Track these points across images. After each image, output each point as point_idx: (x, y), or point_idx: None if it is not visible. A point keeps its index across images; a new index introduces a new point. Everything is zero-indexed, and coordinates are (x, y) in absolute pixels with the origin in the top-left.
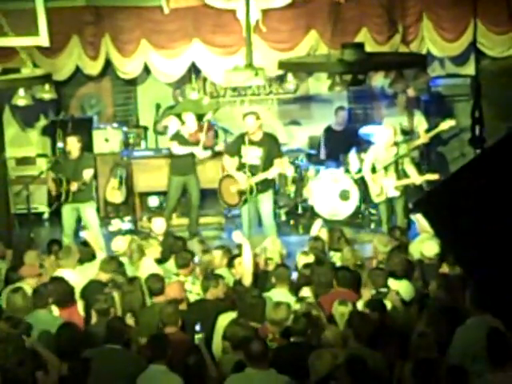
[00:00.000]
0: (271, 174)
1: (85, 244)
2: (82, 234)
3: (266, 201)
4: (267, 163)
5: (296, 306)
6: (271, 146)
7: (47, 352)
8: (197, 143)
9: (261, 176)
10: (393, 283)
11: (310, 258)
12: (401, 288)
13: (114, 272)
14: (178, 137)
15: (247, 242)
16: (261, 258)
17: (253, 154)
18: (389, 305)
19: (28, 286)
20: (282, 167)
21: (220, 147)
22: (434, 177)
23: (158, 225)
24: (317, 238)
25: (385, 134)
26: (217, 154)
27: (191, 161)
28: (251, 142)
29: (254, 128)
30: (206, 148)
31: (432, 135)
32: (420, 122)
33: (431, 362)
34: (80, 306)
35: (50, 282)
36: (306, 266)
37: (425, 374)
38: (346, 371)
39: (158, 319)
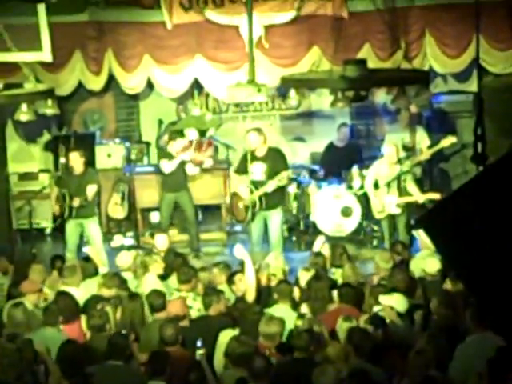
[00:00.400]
0: (269, 187)
1: (87, 259)
2: (85, 250)
3: (274, 217)
4: (272, 177)
5: (298, 323)
6: (275, 161)
7: (53, 363)
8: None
9: (261, 190)
10: (384, 299)
11: (312, 274)
12: (393, 302)
13: (117, 288)
14: (165, 154)
15: (249, 258)
16: (263, 273)
17: (257, 170)
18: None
19: (29, 301)
20: (281, 180)
21: (208, 163)
22: (436, 196)
23: (161, 241)
24: (318, 254)
25: (387, 152)
26: (208, 170)
27: (182, 177)
28: (256, 158)
29: (256, 144)
30: (195, 164)
31: (433, 152)
32: (422, 139)
33: (429, 379)
34: (83, 321)
35: (55, 298)
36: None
37: None
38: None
39: (159, 336)
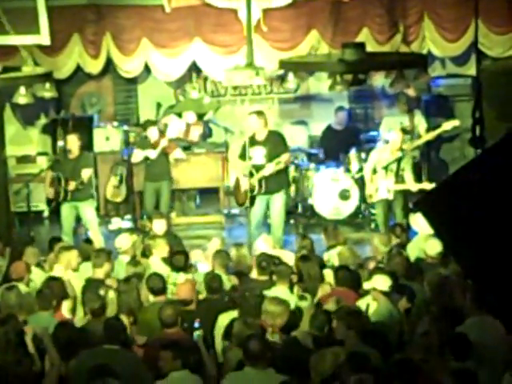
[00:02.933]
0: (267, 170)
1: (88, 241)
2: (89, 233)
3: (276, 201)
4: (273, 161)
5: (302, 304)
6: (275, 144)
7: (52, 347)
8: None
9: (259, 174)
10: (367, 284)
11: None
12: (375, 283)
13: (108, 262)
14: (143, 142)
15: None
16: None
17: (258, 154)
18: (374, 304)
19: (23, 285)
20: (278, 163)
21: (164, 143)
22: (430, 186)
23: (159, 226)
24: (304, 237)
25: (392, 138)
26: (206, 153)
27: (165, 167)
28: (256, 142)
29: (257, 127)
30: (165, 154)
31: (435, 135)
32: (420, 122)
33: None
34: (65, 306)
35: (47, 283)
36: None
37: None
38: (349, 368)
39: (158, 318)
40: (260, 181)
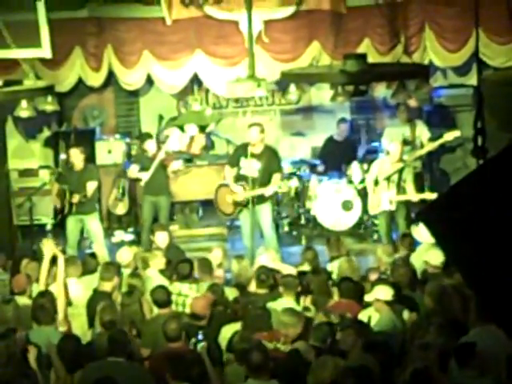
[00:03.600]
0: (268, 191)
1: (92, 255)
2: (93, 246)
3: (264, 212)
4: (265, 177)
5: (306, 315)
6: (271, 160)
7: (58, 361)
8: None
9: (258, 191)
10: (368, 296)
11: (307, 268)
12: (377, 294)
13: (117, 276)
14: (141, 157)
15: None
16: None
17: (252, 167)
18: (376, 315)
19: (26, 297)
20: (282, 187)
21: (175, 166)
22: (431, 196)
23: (161, 238)
24: (308, 248)
25: (392, 150)
26: (208, 165)
27: (164, 181)
28: (252, 155)
29: (256, 140)
30: (163, 167)
31: (436, 145)
32: (422, 132)
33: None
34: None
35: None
36: (302, 273)
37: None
38: (354, 378)
39: (162, 331)
40: (254, 196)
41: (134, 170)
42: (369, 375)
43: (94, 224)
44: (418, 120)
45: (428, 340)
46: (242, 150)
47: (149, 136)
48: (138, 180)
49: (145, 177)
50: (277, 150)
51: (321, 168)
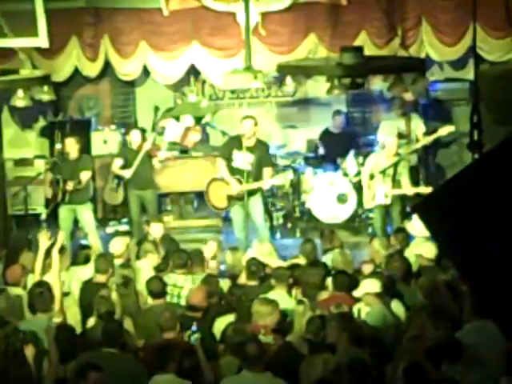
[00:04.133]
0: (266, 184)
1: (85, 247)
2: (89, 239)
3: (256, 204)
4: (258, 170)
5: (299, 308)
6: (263, 154)
7: (54, 348)
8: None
9: (255, 185)
10: (357, 291)
11: (302, 261)
12: (366, 287)
13: (112, 267)
14: (125, 150)
15: None
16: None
17: (245, 159)
18: (367, 308)
19: (20, 288)
20: (280, 180)
21: (162, 155)
22: (427, 190)
23: (156, 229)
24: (307, 241)
25: (388, 143)
26: (202, 156)
27: (150, 174)
28: (243, 147)
29: (250, 132)
30: (150, 156)
31: (431, 140)
32: (417, 126)
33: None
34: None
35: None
36: (294, 266)
37: (416, 377)
38: (349, 373)
39: (157, 323)
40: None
41: (116, 165)
42: (361, 368)
43: (86, 214)
44: (413, 114)
45: (417, 333)
46: (235, 142)
47: (134, 126)
48: (117, 178)
49: (127, 174)
50: (268, 143)
51: (321, 151)
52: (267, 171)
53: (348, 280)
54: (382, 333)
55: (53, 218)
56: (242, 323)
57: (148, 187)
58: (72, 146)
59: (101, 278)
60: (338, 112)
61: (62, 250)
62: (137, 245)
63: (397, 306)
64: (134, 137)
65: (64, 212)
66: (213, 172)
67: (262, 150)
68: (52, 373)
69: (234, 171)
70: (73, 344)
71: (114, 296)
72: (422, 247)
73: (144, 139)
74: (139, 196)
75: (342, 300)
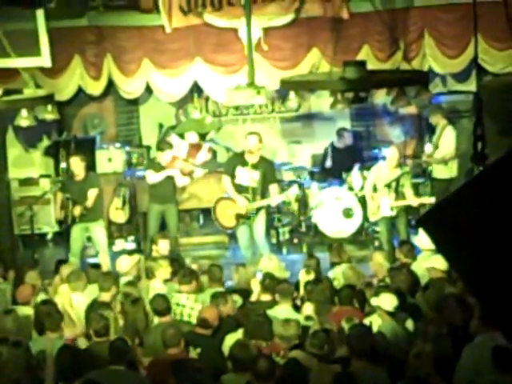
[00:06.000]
0: (275, 201)
1: (95, 266)
2: (99, 256)
3: (258, 220)
4: (263, 187)
5: (308, 324)
6: (267, 170)
7: (51, 371)
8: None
9: (264, 202)
10: (374, 300)
11: (312, 276)
12: (381, 302)
13: (116, 286)
14: (153, 165)
15: None
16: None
17: (249, 176)
18: (378, 321)
19: (31, 308)
20: (288, 196)
21: (198, 173)
22: (430, 200)
23: (163, 246)
24: (311, 256)
25: (389, 155)
26: (208, 173)
27: (171, 189)
28: (247, 164)
29: (254, 148)
30: (184, 174)
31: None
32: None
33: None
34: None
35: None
36: (308, 283)
37: None
38: None
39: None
40: (258, 208)
41: (152, 175)
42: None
43: (98, 231)
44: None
45: (425, 348)
46: (238, 158)
47: (169, 146)
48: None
49: (180, 181)
50: (272, 160)
51: (328, 163)
52: (273, 188)
53: (354, 294)
54: (395, 348)
55: (59, 237)
56: (249, 339)
57: (170, 201)
58: (77, 165)
59: (105, 297)
60: (344, 129)
61: (75, 273)
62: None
63: (411, 325)
64: (166, 156)
65: (76, 231)
66: (218, 188)
67: (266, 167)
68: None
69: (237, 188)
70: (76, 363)
71: (118, 314)
72: (432, 260)
73: (174, 158)
74: (160, 211)
75: (349, 315)
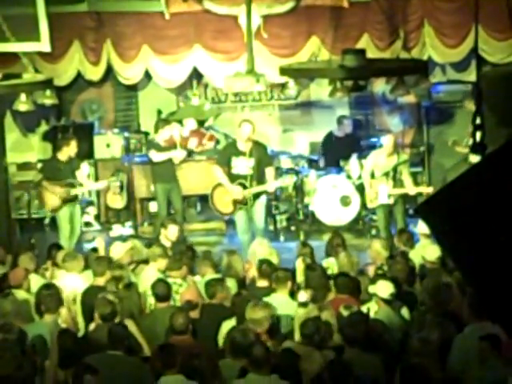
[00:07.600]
0: (272, 186)
1: (94, 250)
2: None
3: (259, 207)
4: (259, 172)
5: (300, 311)
6: (261, 155)
7: (55, 349)
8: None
9: (260, 188)
10: (371, 288)
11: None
12: (377, 289)
13: (109, 270)
14: (153, 145)
15: None
16: (251, 265)
17: (244, 165)
18: (375, 308)
19: (24, 291)
20: (285, 182)
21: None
22: (428, 190)
23: (173, 231)
24: (304, 244)
25: (386, 142)
26: (206, 160)
27: (172, 168)
28: (240, 152)
29: (248, 137)
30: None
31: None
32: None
33: (420, 367)
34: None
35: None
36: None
37: (414, 380)
38: (328, 376)
39: (162, 325)
40: (255, 194)
41: (155, 155)
42: (346, 373)
43: (78, 210)
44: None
45: (429, 335)
46: (232, 148)
47: (167, 123)
48: (169, 161)
49: (179, 155)
50: (265, 144)
51: (321, 163)
52: (269, 171)
53: (350, 282)
54: (389, 335)
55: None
56: (240, 327)
57: (173, 180)
58: (74, 150)
59: (99, 281)
60: (344, 117)
61: (70, 254)
62: (146, 247)
63: (406, 313)
64: (165, 134)
65: (63, 212)
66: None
67: (260, 152)
68: (52, 376)
69: (235, 178)
70: (76, 348)
71: (112, 298)
72: (425, 249)
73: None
74: (166, 190)
75: (345, 302)
